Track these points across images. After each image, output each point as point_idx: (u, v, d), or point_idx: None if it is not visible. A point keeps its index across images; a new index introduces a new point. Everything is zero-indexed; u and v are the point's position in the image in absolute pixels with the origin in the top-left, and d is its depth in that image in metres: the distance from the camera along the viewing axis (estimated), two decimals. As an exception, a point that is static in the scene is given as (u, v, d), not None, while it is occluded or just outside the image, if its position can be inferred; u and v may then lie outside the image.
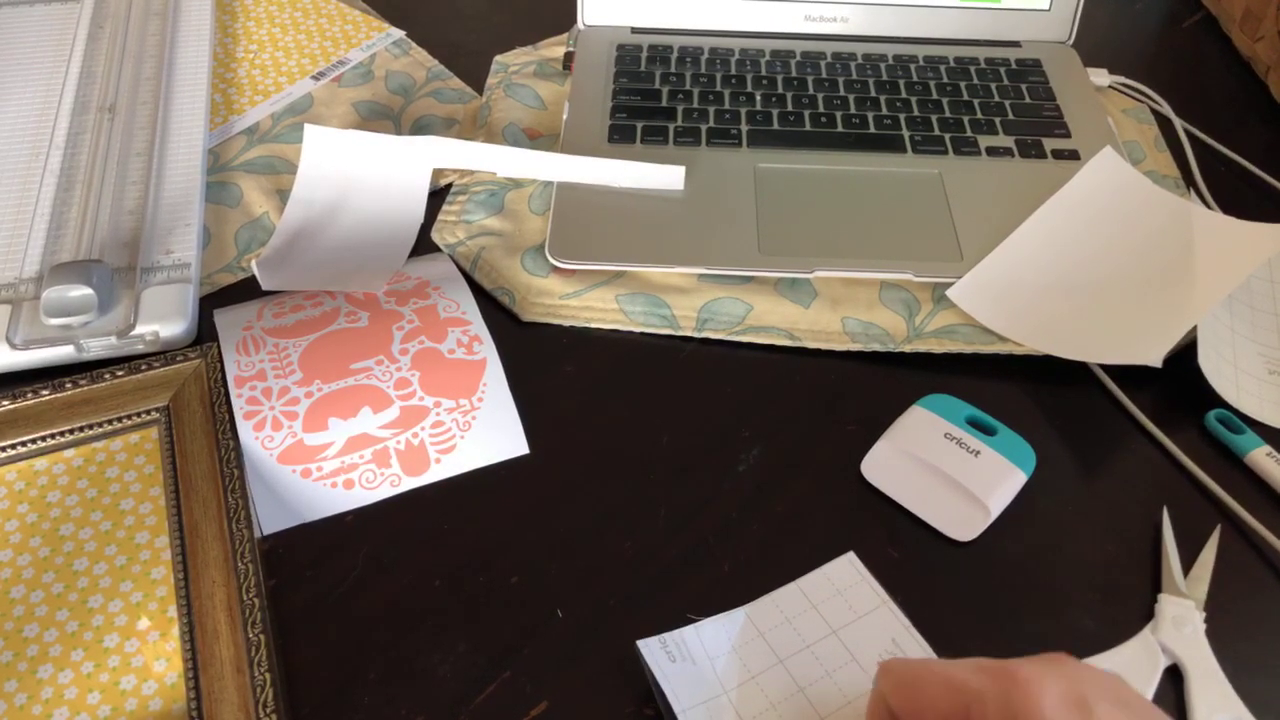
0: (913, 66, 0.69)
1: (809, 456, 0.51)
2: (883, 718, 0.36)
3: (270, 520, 0.47)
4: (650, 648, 0.42)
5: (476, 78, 0.70)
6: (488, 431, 0.50)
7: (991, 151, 0.63)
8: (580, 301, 0.56)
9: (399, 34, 0.73)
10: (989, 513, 0.48)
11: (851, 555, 0.46)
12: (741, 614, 0.44)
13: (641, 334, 0.56)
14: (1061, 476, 0.50)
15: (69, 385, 0.50)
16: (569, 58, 0.70)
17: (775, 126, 0.65)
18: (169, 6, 0.71)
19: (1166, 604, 0.45)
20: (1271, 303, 0.58)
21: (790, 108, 0.66)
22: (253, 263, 0.55)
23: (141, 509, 0.47)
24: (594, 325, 0.56)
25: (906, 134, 0.64)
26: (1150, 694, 0.42)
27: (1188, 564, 0.46)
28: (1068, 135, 0.65)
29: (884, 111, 0.66)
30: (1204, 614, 0.44)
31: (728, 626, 0.44)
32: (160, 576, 0.44)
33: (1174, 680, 0.43)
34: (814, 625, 0.44)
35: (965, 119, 0.65)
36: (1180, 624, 0.44)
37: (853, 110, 0.66)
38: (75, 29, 0.69)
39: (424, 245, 0.59)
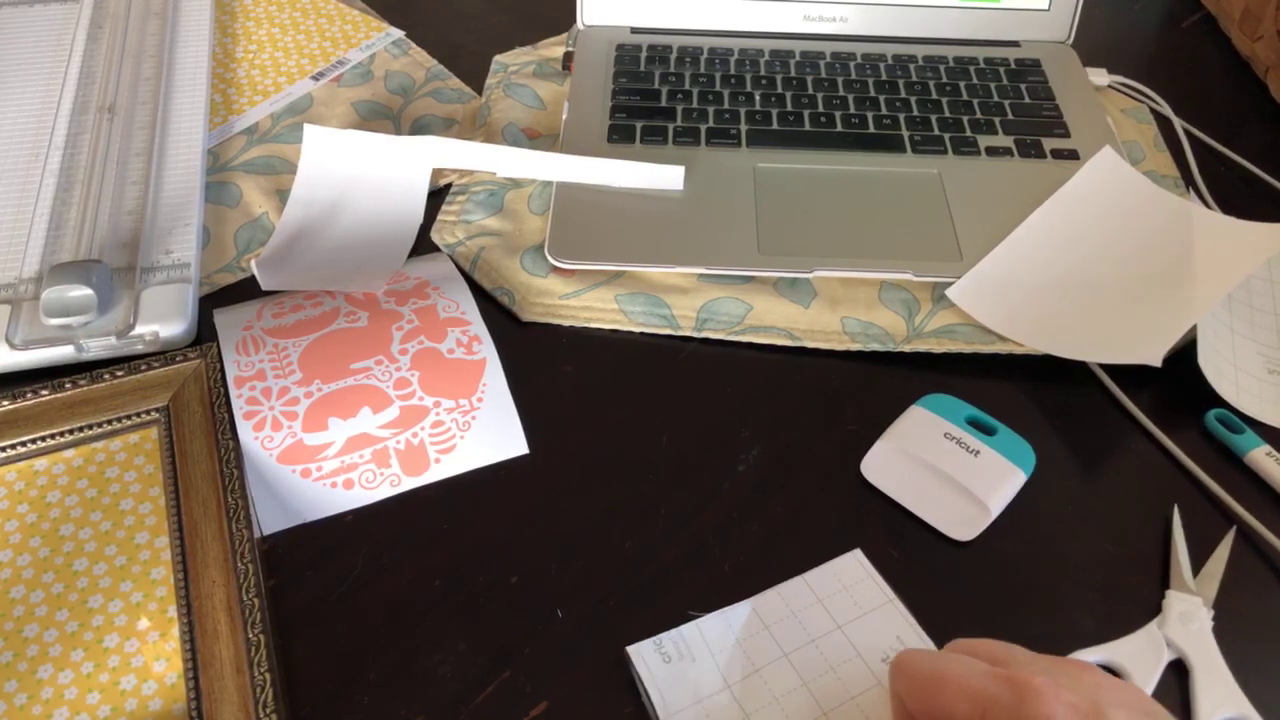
0: (912, 66, 0.69)
1: (809, 456, 0.51)
2: (904, 718, 0.36)
3: (270, 520, 0.47)
4: (641, 652, 0.42)
5: (476, 78, 0.70)
6: (487, 431, 0.50)
7: (991, 151, 0.63)
8: (580, 301, 0.56)
9: (398, 34, 0.73)
10: (989, 512, 0.48)
11: (858, 552, 0.46)
12: (747, 606, 0.44)
13: (641, 334, 0.56)
14: (1061, 476, 0.50)
15: (69, 385, 0.50)
16: (568, 58, 0.70)
17: (774, 126, 0.64)
18: (168, 6, 0.71)
19: (1174, 600, 0.45)
20: (1271, 303, 0.58)
21: (789, 107, 0.66)
22: (252, 263, 0.55)
23: (141, 509, 0.46)
24: (594, 325, 0.56)
25: (906, 134, 0.64)
26: (1153, 686, 0.42)
27: (1194, 563, 0.47)
28: (1067, 135, 0.65)
29: (883, 111, 0.66)
30: (1212, 612, 0.44)
31: (732, 619, 0.44)
32: (160, 576, 0.44)
33: (1179, 676, 0.43)
34: (819, 620, 0.44)
35: (964, 119, 0.65)
36: (1187, 620, 0.44)
37: (852, 110, 0.66)
38: (75, 29, 0.69)
39: (424, 245, 0.59)
